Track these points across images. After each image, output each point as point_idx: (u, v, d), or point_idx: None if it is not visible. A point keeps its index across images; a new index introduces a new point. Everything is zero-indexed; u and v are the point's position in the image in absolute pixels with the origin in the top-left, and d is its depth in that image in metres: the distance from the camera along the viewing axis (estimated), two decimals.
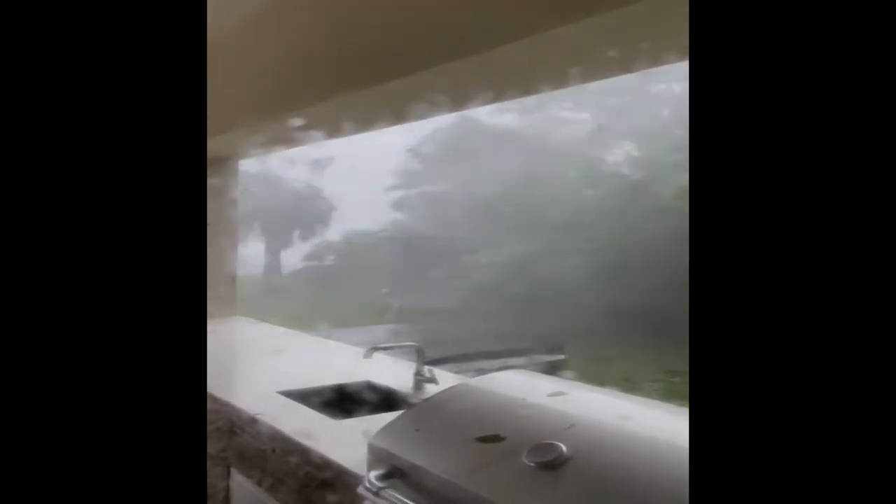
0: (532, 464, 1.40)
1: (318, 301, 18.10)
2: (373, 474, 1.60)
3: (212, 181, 4.88)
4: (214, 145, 4.39)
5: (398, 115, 3.22)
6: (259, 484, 2.36)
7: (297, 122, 3.46)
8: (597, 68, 2.34)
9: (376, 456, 1.69)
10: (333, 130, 3.83)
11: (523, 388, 1.92)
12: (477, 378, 2.01)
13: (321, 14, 3.01)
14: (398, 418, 1.80)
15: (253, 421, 2.39)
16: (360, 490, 1.62)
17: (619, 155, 15.41)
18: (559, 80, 2.50)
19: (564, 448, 1.40)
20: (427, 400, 1.93)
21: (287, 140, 4.18)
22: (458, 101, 2.78)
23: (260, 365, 3.56)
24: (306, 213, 22.71)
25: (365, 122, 3.51)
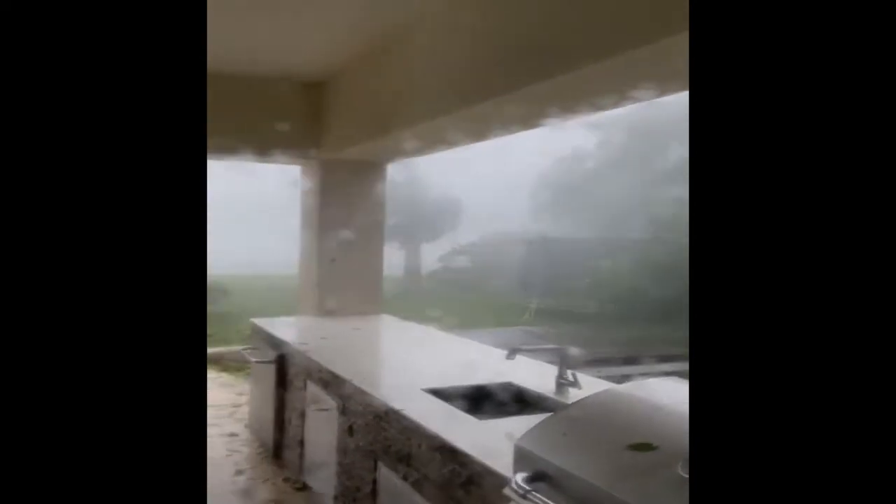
0: (688, 476, 1.33)
1: (456, 301, 18.38)
2: (519, 476, 1.59)
3: (361, 185, 5.09)
4: (364, 150, 4.59)
5: (545, 116, 3.20)
6: (404, 478, 2.42)
7: (443, 126, 3.53)
8: None
9: (522, 458, 1.68)
10: (477, 134, 3.87)
11: (674, 395, 1.83)
12: (626, 384, 1.95)
13: (476, 19, 3.05)
14: (545, 421, 1.78)
15: (399, 416, 2.47)
16: (507, 491, 1.62)
17: None
18: None
19: None
20: (575, 404, 1.89)
21: (433, 144, 4.28)
22: (622, 95, 2.70)
23: (405, 362, 3.67)
24: (445, 215, 23.16)
25: (511, 124, 3.51)
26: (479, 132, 3.75)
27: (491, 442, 2.06)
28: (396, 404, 2.54)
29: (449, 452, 2.10)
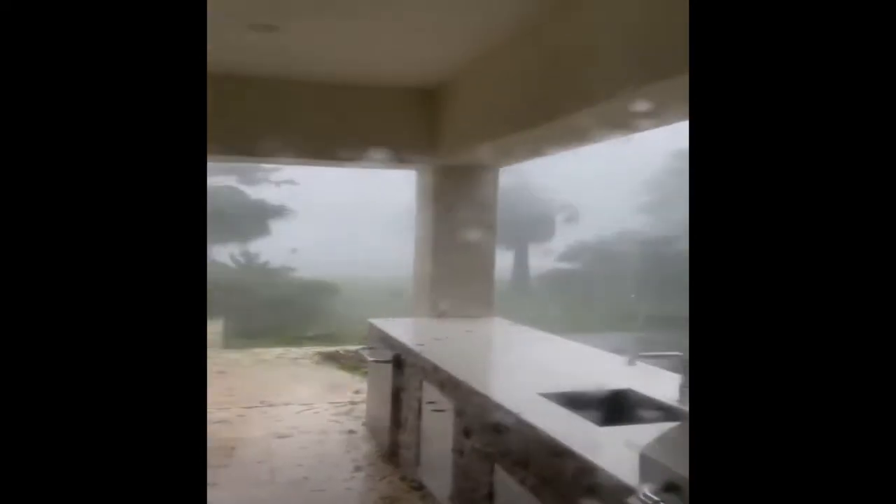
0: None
1: (565, 304, 18.13)
2: (647, 487, 1.54)
3: (474, 189, 5.14)
4: (477, 155, 4.63)
5: (655, 119, 3.11)
6: (522, 483, 2.42)
7: (557, 129, 3.50)
8: None
9: (649, 467, 1.64)
10: (586, 137, 3.81)
11: None
12: None
13: (586, 25, 3.01)
14: (672, 430, 1.72)
15: (517, 420, 2.46)
16: (633, 501, 1.58)
17: None
18: None
19: None
20: None
21: (546, 147, 4.25)
22: None
23: (519, 365, 3.66)
24: (556, 217, 22.93)
25: (634, 123, 3.43)
26: (592, 134, 3.69)
27: (612, 450, 2.02)
28: (514, 408, 2.53)
29: (569, 459, 2.08)
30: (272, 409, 5.66)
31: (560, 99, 3.22)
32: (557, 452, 2.16)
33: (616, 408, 2.73)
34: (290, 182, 20.25)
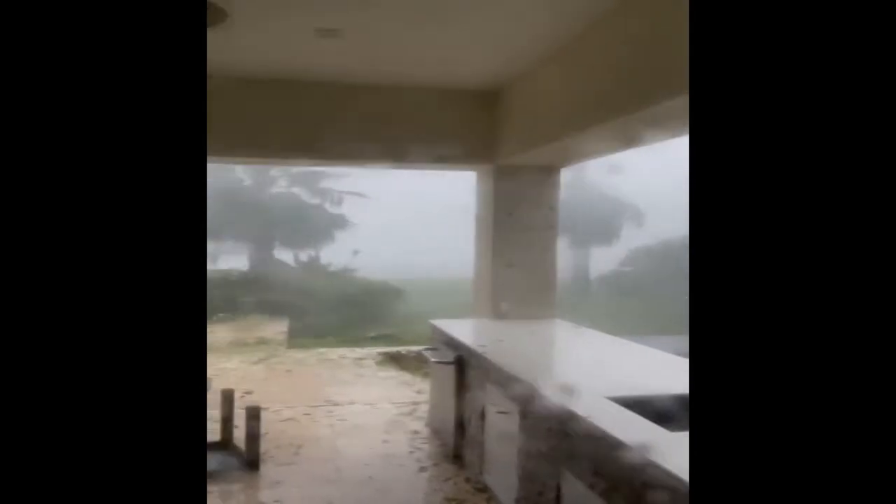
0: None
1: (626, 306, 17.81)
2: None
3: (535, 190, 5.10)
4: (539, 155, 4.60)
5: None
6: (591, 487, 2.38)
7: (618, 129, 3.45)
8: None
9: None
10: (650, 137, 3.74)
11: None
12: None
13: (646, 24, 2.96)
14: None
15: (586, 424, 2.43)
16: None
17: None
18: None
19: None
20: None
21: (609, 147, 4.19)
22: None
23: (584, 367, 3.61)
24: (613, 219, 22.57)
25: (685, 125, 3.35)
26: (657, 133, 3.62)
27: (685, 456, 1.97)
28: (581, 411, 2.50)
29: (641, 465, 2.04)
30: (337, 408, 5.76)
31: (625, 97, 3.16)
32: (628, 457, 2.12)
33: (686, 413, 2.66)
34: (358, 194, 20.59)
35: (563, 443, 2.64)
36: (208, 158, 1.08)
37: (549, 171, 5.14)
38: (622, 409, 2.56)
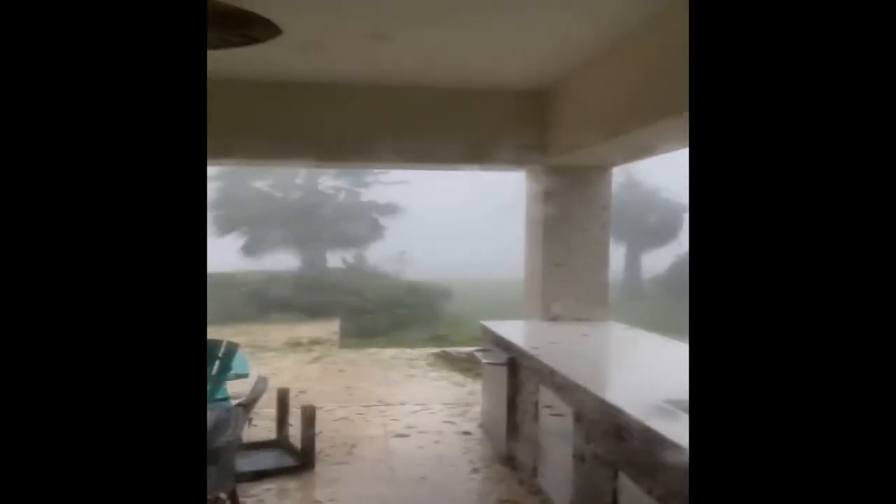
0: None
1: (680, 308, 17.43)
2: None
3: (586, 189, 5.05)
4: (590, 155, 4.55)
5: None
6: (649, 492, 2.34)
7: (671, 128, 3.38)
8: None
9: None
10: None
11: None
12: None
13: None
14: None
15: (643, 427, 2.39)
16: None
17: None
18: None
19: None
20: None
21: (662, 146, 4.12)
22: None
23: (639, 371, 3.56)
24: (666, 218, 22.13)
25: None
26: None
27: None
28: (638, 415, 2.46)
29: None
30: (389, 408, 5.81)
31: (678, 95, 3.10)
32: (687, 463, 2.07)
33: None
34: (399, 204, 20.74)
35: (619, 446, 2.61)
36: (268, 163, 1.10)
37: (601, 171, 5.07)
38: (680, 413, 2.51)
